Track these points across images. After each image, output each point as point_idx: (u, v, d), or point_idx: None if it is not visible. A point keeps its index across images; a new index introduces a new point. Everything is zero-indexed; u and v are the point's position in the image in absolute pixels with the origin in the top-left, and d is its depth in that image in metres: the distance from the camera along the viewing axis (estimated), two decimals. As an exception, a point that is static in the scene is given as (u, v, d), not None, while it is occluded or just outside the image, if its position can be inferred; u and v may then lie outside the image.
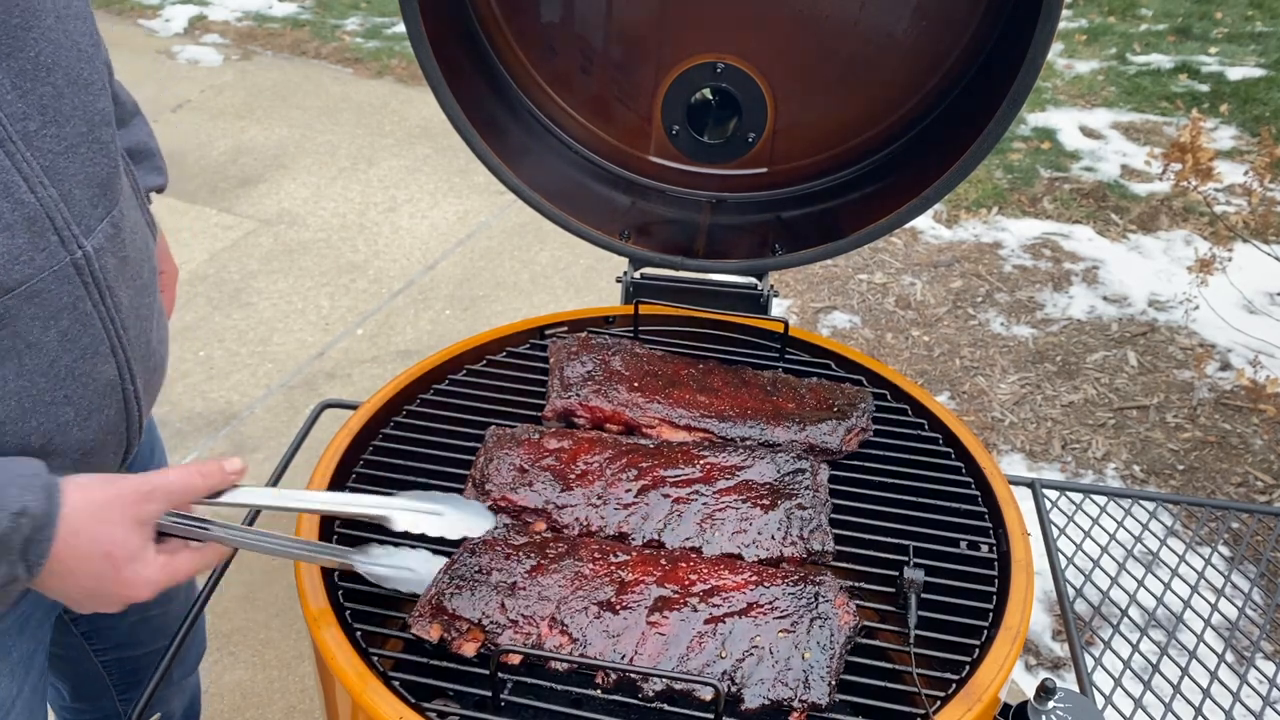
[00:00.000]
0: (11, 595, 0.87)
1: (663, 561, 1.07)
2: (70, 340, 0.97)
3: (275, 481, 1.31)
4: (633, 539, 1.13)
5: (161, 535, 0.93)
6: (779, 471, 1.20)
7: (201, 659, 1.69)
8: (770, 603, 1.02)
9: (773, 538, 1.13)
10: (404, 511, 1.05)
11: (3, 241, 0.88)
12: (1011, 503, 1.21)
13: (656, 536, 1.13)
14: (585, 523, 1.14)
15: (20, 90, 0.89)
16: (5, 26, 0.87)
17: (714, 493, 1.17)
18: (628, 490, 1.17)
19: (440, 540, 1.08)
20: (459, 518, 1.09)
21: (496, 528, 1.12)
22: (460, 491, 1.20)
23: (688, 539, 1.13)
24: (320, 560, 1.04)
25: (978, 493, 1.24)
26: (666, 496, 1.16)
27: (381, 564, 1.03)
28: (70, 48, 0.96)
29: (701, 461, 1.21)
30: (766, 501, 1.16)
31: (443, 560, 1.05)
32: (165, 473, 0.93)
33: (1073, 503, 1.48)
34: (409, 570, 1.04)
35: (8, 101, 0.88)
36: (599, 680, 0.97)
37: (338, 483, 1.22)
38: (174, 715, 1.64)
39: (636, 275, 1.60)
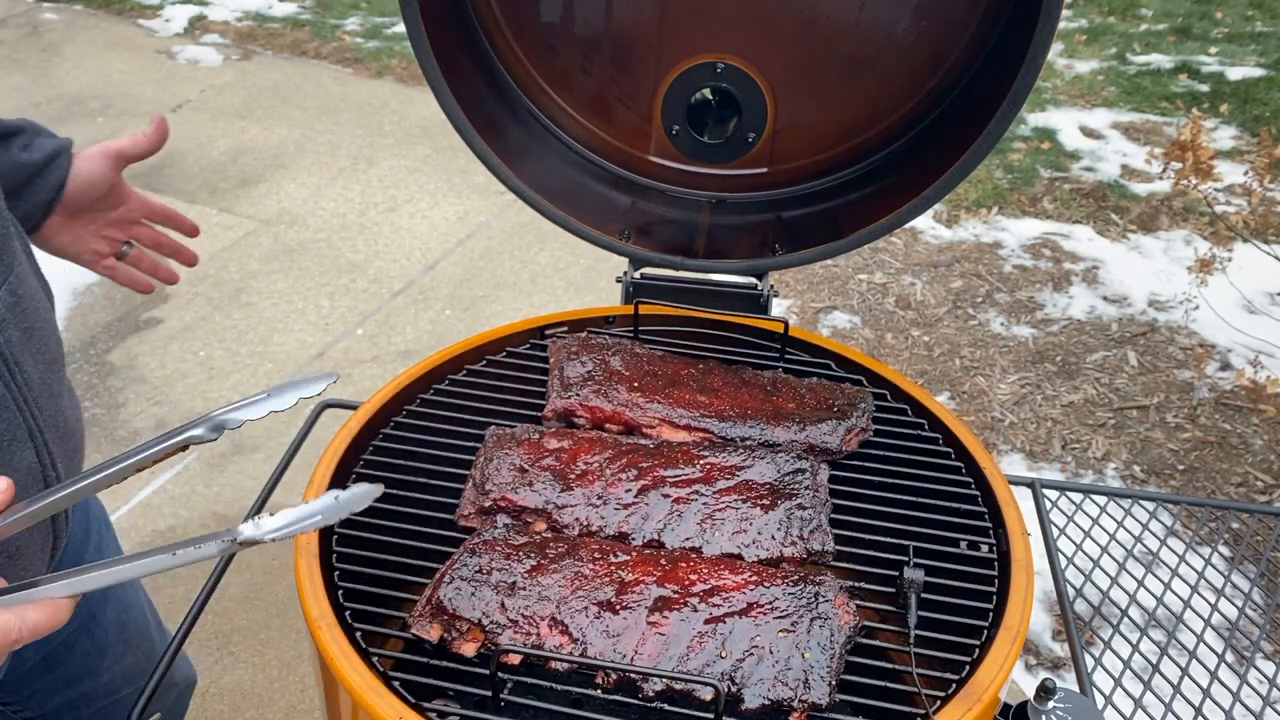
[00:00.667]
0: None
1: (663, 561, 1.07)
2: None
3: (275, 482, 1.31)
4: (633, 539, 1.13)
5: None
6: (779, 471, 1.20)
7: (190, 698, 1.64)
8: (770, 603, 1.02)
9: (773, 538, 1.13)
10: (217, 416, 0.85)
11: None
12: (1011, 503, 1.21)
13: (656, 536, 1.13)
14: (585, 523, 1.14)
15: None
16: None
17: (714, 493, 1.17)
18: (628, 490, 1.17)
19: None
20: (283, 392, 0.89)
21: (497, 527, 1.12)
22: (460, 493, 1.20)
23: (688, 539, 1.13)
24: (192, 558, 0.80)
25: (978, 493, 1.24)
26: (666, 496, 1.16)
27: (276, 526, 0.81)
28: None
29: (701, 461, 1.21)
30: (766, 501, 1.16)
31: (361, 488, 0.84)
32: None
33: (1073, 503, 1.48)
34: (316, 514, 0.81)
35: None
36: (599, 680, 0.97)
37: (337, 483, 1.22)
38: None
39: (636, 275, 1.60)
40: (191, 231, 1.45)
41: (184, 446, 0.86)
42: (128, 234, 1.38)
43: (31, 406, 0.95)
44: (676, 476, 1.18)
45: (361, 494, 0.83)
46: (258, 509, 1.27)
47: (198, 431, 0.85)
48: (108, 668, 1.36)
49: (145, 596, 1.51)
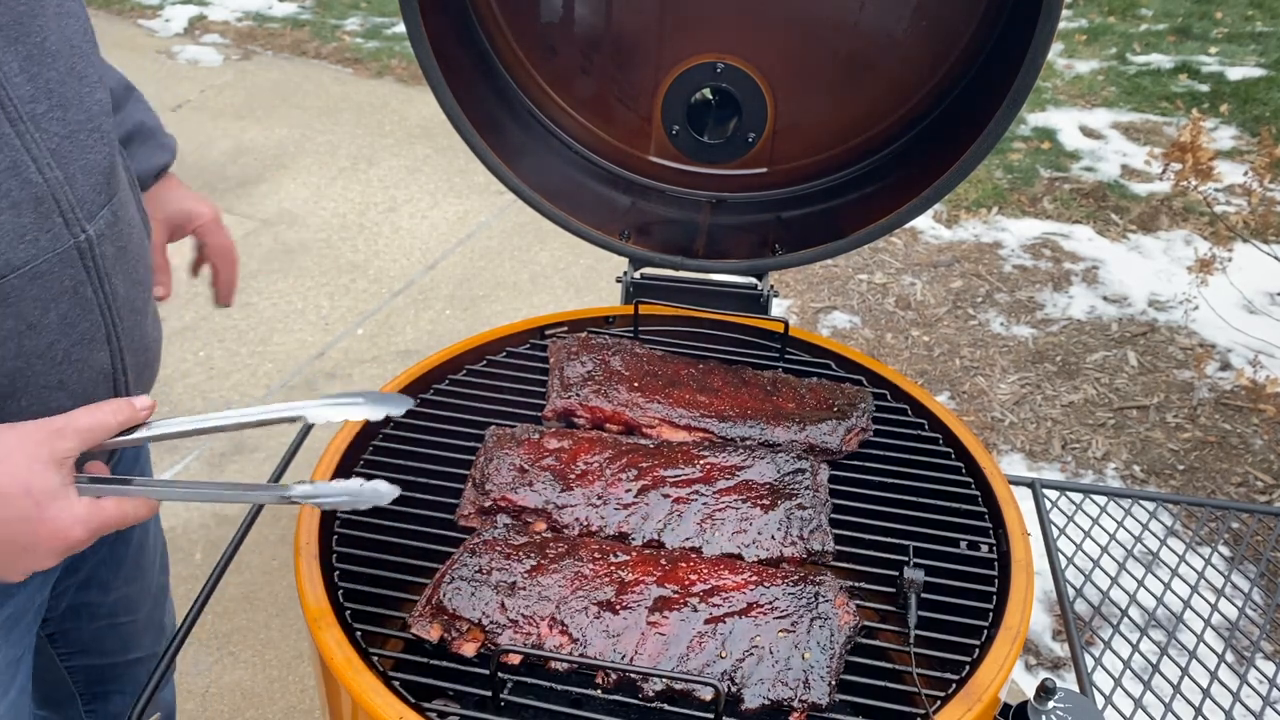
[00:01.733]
0: None
1: (663, 561, 1.07)
2: (69, 325, 0.98)
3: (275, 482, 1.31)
4: (633, 539, 1.13)
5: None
6: (779, 471, 1.20)
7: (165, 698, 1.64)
8: (770, 603, 1.02)
9: (773, 538, 1.13)
10: (319, 407, 1.03)
11: (9, 220, 0.89)
12: (1011, 503, 1.21)
13: (656, 536, 1.13)
14: (585, 523, 1.14)
15: (28, 74, 0.91)
16: (12, 12, 0.90)
17: (714, 493, 1.17)
18: (628, 490, 1.17)
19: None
20: (377, 403, 1.05)
21: (497, 527, 1.12)
22: (460, 493, 1.20)
23: (688, 539, 1.13)
24: (253, 498, 1.02)
25: (978, 493, 1.24)
26: (666, 496, 1.16)
27: (328, 493, 0.98)
28: (66, 41, 0.99)
29: (701, 461, 1.21)
30: (766, 501, 1.16)
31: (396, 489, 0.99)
32: (73, 412, 0.92)
33: (1073, 503, 1.48)
34: (357, 492, 0.98)
35: (17, 84, 0.90)
36: (599, 680, 0.97)
37: (338, 483, 1.21)
38: None
39: (636, 275, 1.60)
40: (221, 300, 1.49)
41: (291, 421, 1.03)
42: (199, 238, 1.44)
43: (114, 315, 1.05)
44: (676, 476, 1.18)
45: (385, 492, 0.97)
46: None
47: (306, 414, 1.02)
48: (117, 587, 1.40)
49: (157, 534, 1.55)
